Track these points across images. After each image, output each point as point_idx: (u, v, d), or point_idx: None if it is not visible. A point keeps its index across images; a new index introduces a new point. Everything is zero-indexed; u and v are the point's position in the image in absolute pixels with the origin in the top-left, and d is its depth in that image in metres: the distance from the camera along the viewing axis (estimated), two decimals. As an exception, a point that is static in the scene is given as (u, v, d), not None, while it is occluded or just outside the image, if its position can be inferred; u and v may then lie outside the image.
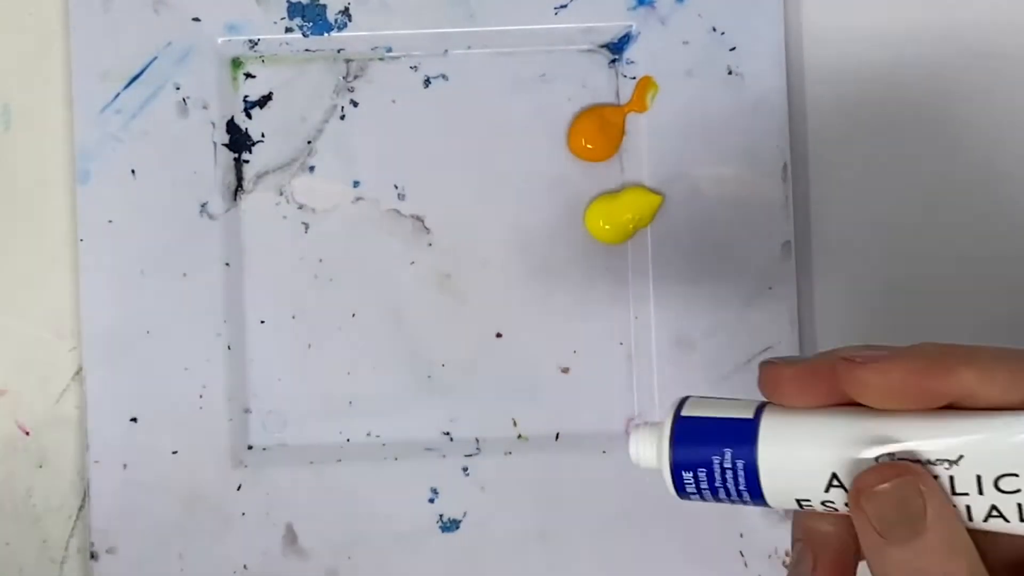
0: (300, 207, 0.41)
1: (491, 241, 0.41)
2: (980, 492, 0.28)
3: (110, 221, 0.40)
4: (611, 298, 0.41)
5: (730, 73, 0.41)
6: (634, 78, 0.41)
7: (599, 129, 0.41)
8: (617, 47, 0.41)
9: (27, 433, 0.41)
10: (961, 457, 0.28)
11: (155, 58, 0.40)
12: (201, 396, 0.40)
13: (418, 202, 0.41)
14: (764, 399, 0.30)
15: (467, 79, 0.41)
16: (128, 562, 0.40)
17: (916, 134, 0.42)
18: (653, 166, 0.41)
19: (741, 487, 0.31)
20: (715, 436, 0.31)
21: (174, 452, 0.40)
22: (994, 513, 0.28)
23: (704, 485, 0.31)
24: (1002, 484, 0.27)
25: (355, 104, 0.41)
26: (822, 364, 0.29)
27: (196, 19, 0.40)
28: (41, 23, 0.41)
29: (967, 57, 0.42)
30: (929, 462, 0.28)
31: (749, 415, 0.31)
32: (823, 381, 0.29)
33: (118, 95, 0.40)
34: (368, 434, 0.41)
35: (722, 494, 0.31)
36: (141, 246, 0.40)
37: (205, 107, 0.40)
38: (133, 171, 0.40)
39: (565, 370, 0.41)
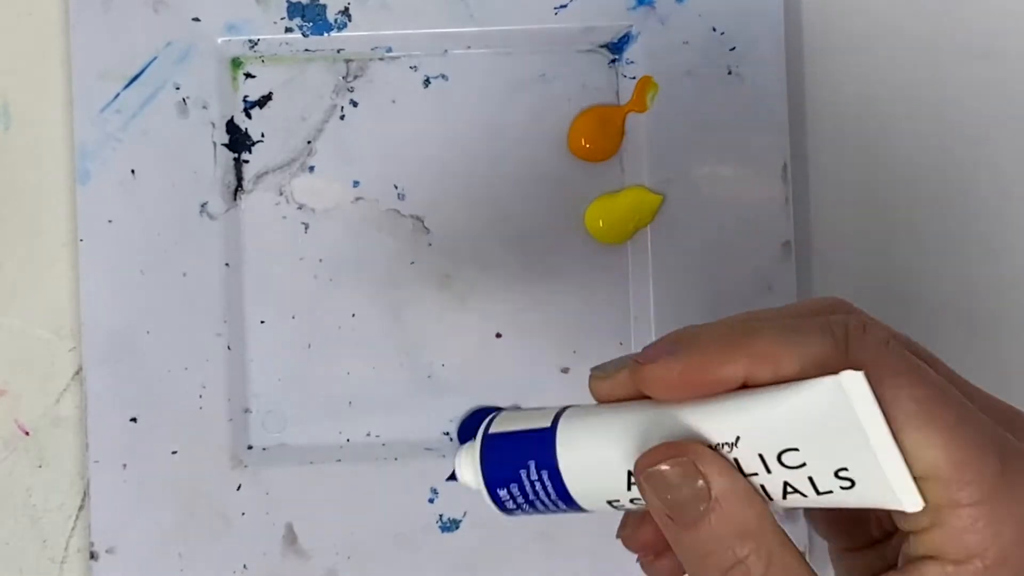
0: (300, 207, 0.41)
1: (491, 241, 0.41)
2: (768, 471, 0.27)
3: (110, 221, 0.40)
4: (611, 298, 0.41)
5: (730, 73, 0.41)
6: (634, 78, 0.41)
7: (599, 129, 0.41)
8: (617, 47, 0.41)
9: (27, 433, 0.41)
10: (739, 438, 0.27)
11: (155, 58, 0.40)
12: (201, 396, 0.40)
13: (418, 202, 0.41)
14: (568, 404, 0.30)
15: (467, 79, 0.41)
16: (128, 562, 0.40)
17: (916, 134, 0.42)
18: (653, 166, 0.41)
19: (553, 496, 0.30)
20: (519, 449, 0.30)
21: (174, 452, 0.40)
22: (789, 490, 0.27)
23: (520, 499, 0.30)
24: (785, 460, 0.26)
25: (355, 104, 0.41)
26: (623, 363, 0.29)
27: (196, 19, 0.40)
28: (41, 23, 0.41)
29: (967, 56, 0.42)
30: (714, 447, 0.27)
31: (547, 423, 0.30)
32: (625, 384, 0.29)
33: (118, 95, 0.40)
34: (368, 434, 0.41)
35: (540, 506, 0.30)
36: (141, 246, 0.40)
37: (205, 107, 0.40)
38: (133, 171, 0.40)
39: (565, 370, 0.41)
